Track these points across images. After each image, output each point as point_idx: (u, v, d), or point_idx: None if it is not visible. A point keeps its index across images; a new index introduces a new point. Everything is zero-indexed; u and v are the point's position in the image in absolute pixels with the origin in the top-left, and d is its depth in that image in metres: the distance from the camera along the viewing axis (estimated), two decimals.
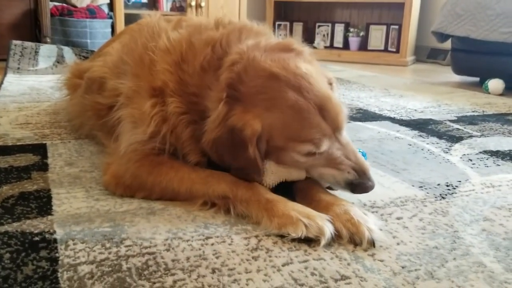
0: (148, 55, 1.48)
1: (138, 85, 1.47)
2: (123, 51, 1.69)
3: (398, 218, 1.33)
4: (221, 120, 1.28)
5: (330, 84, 1.42)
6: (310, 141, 1.27)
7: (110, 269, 1.01)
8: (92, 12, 4.70)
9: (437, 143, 2.14)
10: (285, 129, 1.27)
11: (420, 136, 2.26)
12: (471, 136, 2.28)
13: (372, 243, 1.15)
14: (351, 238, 1.17)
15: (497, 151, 2.04)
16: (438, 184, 1.60)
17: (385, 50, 5.89)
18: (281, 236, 1.17)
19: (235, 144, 1.27)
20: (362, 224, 1.17)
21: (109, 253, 1.08)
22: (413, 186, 1.58)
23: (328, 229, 1.15)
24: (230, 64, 1.33)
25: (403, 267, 1.07)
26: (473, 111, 2.93)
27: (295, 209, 1.21)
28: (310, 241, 1.15)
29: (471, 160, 1.90)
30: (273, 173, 1.34)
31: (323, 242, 1.13)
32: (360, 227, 1.16)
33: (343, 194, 1.34)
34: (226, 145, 1.29)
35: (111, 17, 4.87)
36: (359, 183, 1.29)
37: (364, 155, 1.65)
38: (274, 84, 1.28)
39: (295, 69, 1.31)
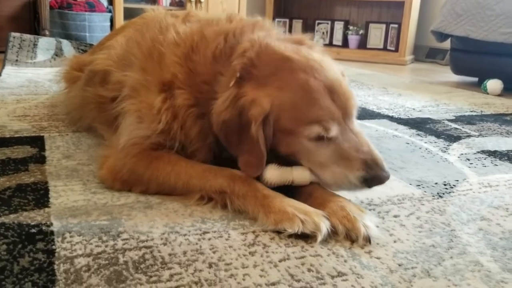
0: (157, 49, 1.48)
1: (145, 78, 1.46)
2: (129, 44, 1.68)
3: (395, 216, 1.33)
4: (231, 100, 1.28)
5: (342, 75, 1.41)
6: (319, 122, 1.25)
7: (106, 262, 1.01)
8: (91, 6, 4.69)
9: (435, 142, 2.14)
10: (294, 109, 1.26)
11: (418, 135, 2.26)
12: (469, 136, 2.29)
13: (368, 240, 1.15)
14: (347, 234, 1.17)
15: (495, 151, 2.04)
16: (436, 183, 1.61)
17: (384, 48, 5.89)
18: (278, 232, 1.17)
19: (242, 125, 1.27)
20: (358, 221, 1.17)
21: (106, 246, 1.07)
22: (410, 184, 1.58)
23: (325, 225, 1.15)
24: (243, 51, 1.33)
25: (399, 265, 1.07)
26: (471, 111, 2.94)
27: (292, 205, 1.21)
28: (306, 237, 1.15)
29: (468, 160, 1.90)
30: (276, 175, 1.32)
31: (319, 238, 1.13)
32: (356, 224, 1.17)
33: (340, 192, 1.34)
34: (234, 126, 1.28)
35: (110, 11, 4.86)
36: (374, 176, 1.25)
37: None
38: (286, 65, 1.29)
39: (308, 54, 1.33)
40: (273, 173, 1.32)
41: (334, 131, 1.26)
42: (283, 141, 1.31)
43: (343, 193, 1.33)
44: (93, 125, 1.85)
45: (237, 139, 1.30)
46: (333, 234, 1.17)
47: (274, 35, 1.42)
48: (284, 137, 1.30)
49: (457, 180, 1.65)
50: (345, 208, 1.21)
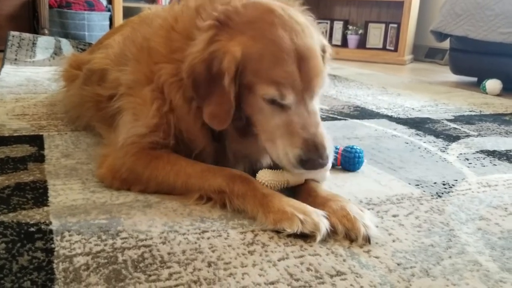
0: (146, 40, 1.48)
1: (139, 74, 1.46)
2: (125, 43, 1.69)
3: (394, 216, 1.33)
4: (205, 44, 1.27)
5: (323, 51, 1.39)
6: (276, 84, 1.23)
7: (105, 261, 1.01)
8: (90, 5, 4.69)
9: (434, 142, 2.15)
10: (258, 63, 1.24)
11: (417, 134, 2.26)
12: (468, 136, 2.29)
13: (367, 240, 1.15)
14: (347, 234, 1.17)
15: (494, 151, 2.05)
16: (435, 183, 1.61)
17: (384, 48, 5.89)
18: (277, 232, 1.17)
19: (212, 74, 1.25)
20: (358, 221, 1.17)
21: (105, 245, 1.07)
22: (409, 184, 1.59)
23: (324, 225, 1.15)
24: (224, 3, 1.33)
25: (398, 264, 1.07)
26: (470, 111, 2.94)
27: (291, 204, 1.21)
28: (306, 237, 1.15)
29: (467, 160, 1.90)
30: (269, 177, 1.32)
31: (318, 238, 1.13)
32: (356, 224, 1.17)
33: (338, 191, 1.34)
34: (203, 74, 1.26)
35: (109, 10, 4.86)
36: (309, 159, 1.24)
37: (361, 152, 1.66)
38: (267, 17, 1.28)
39: (293, 15, 1.32)
40: (266, 176, 1.32)
41: (288, 99, 1.25)
42: (245, 98, 1.29)
43: (342, 193, 1.33)
44: (91, 124, 1.85)
45: (206, 88, 1.28)
46: (332, 233, 1.17)
47: None
48: (246, 94, 1.28)
49: (456, 180, 1.65)
50: (345, 208, 1.21)
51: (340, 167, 1.68)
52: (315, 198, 1.28)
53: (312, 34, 1.33)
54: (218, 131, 1.37)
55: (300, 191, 1.34)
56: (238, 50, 1.24)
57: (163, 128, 1.39)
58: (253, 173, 1.36)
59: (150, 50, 1.45)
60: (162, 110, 1.39)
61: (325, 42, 1.42)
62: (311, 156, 1.24)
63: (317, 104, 1.32)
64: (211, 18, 1.31)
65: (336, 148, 1.65)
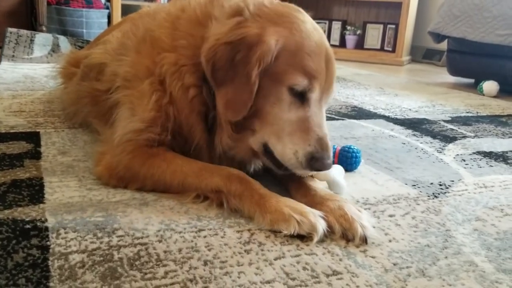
0: (149, 32, 1.47)
1: (138, 64, 1.45)
2: (125, 36, 1.67)
3: (391, 216, 1.33)
4: (231, 27, 1.25)
5: None
6: (309, 75, 1.24)
7: (101, 258, 1.01)
8: (88, 2, 4.67)
9: (431, 142, 2.15)
10: (295, 53, 1.25)
11: (414, 135, 2.26)
12: (464, 137, 2.29)
13: (364, 240, 1.15)
14: (344, 234, 1.17)
15: (490, 152, 2.05)
16: (431, 183, 1.61)
17: (381, 49, 5.89)
18: (274, 231, 1.17)
19: (236, 59, 1.23)
20: (356, 221, 1.17)
21: (101, 242, 1.07)
22: (406, 184, 1.59)
23: (321, 226, 1.15)
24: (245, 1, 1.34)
25: (394, 264, 1.07)
26: (467, 112, 2.95)
27: (288, 205, 1.20)
28: (302, 237, 1.15)
29: (464, 161, 1.90)
30: None
31: (315, 238, 1.13)
32: (353, 224, 1.16)
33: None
34: (225, 57, 1.24)
35: (107, 8, 4.85)
36: (320, 158, 1.24)
37: (358, 152, 1.66)
38: (298, 14, 1.33)
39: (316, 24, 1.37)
40: None
41: (315, 94, 1.27)
42: (263, 88, 1.26)
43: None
44: (88, 120, 1.84)
45: (225, 72, 1.25)
46: (329, 233, 1.17)
47: None
48: (267, 84, 1.26)
49: (453, 181, 1.65)
50: (342, 208, 1.21)
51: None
52: (313, 197, 1.28)
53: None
54: (211, 123, 1.36)
55: (298, 189, 1.34)
56: (274, 40, 1.23)
57: (160, 122, 1.38)
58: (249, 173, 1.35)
59: (153, 40, 1.43)
60: (161, 102, 1.37)
61: None
62: (322, 155, 1.24)
63: None
64: (236, 6, 1.32)
65: (334, 148, 1.66)
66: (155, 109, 1.38)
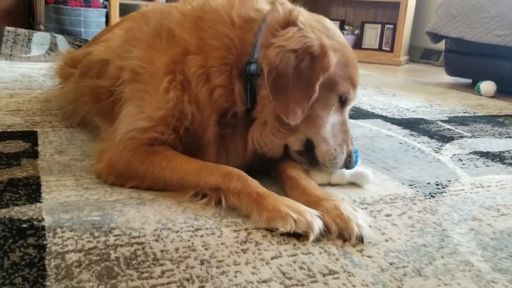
0: (165, 27, 1.47)
1: (154, 59, 1.45)
2: (129, 34, 1.65)
3: (387, 215, 1.33)
4: (294, 35, 1.33)
5: None
6: (352, 84, 1.42)
7: (98, 257, 1.01)
8: (86, 1, 4.66)
9: (428, 142, 2.15)
10: (345, 65, 1.40)
11: (412, 135, 2.27)
12: (462, 137, 2.30)
13: (360, 239, 1.15)
14: (340, 233, 1.17)
15: (487, 152, 2.05)
16: (428, 183, 1.61)
17: (379, 49, 5.90)
18: (271, 230, 1.17)
19: (302, 67, 1.31)
20: (352, 220, 1.17)
21: (98, 242, 1.07)
22: (403, 184, 1.59)
23: (317, 225, 1.15)
24: (291, 9, 1.43)
25: (391, 264, 1.07)
26: (464, 112, 2.95)
27: (285, 203, 1.21)
28: (299, 236, 1.15)
29: (461, 160, 1.91)
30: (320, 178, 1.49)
31: (311, 237, 1.14)
32: (349, 223, 1.17)
33: (332, 190, 1.34)
34: (292, 64, 1.30)
35: (105, 7, 4.84)
36: (349, 161, 1.46)
37: (355, 152, 1.66)
38: (337, 29, 1.50)
39: None
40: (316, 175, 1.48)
41: (353, 100, 1.46)
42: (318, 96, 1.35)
43: (336, 192, 1.33)
44: (88, 118, 1.83)
45: (288, 80, 1.31)
46: (326, 233, 1.17)
47: None
48: (321, 91, 1.35)
49: (449, 181, 1.65)
50: (338, 207, 1.21)
51: None
52: (309, 197, 1.29)
53: None
54: (229, 120, 1.42)
55: (294, 188, 1.35)
56: (333, 54, 1.35)
57: (169, 121, 1.38)
58: (247, 171, 1.35)
59: (173, 38, 1.44)
60: (179, 101, 1.38)
61: None
62: (353, 153, 1.47)
63: None
64: (287, 14, 1.40)
65: None
66: (168, 107, 1.38)
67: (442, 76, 4.58)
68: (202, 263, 1.02)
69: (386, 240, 1.18)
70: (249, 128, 1.43)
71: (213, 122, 1.41)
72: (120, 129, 1.42)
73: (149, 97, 1.42)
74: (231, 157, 1.45)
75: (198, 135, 1.42)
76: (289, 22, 1.38)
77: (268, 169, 1.54)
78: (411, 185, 1.59)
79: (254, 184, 1.29)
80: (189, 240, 1.11)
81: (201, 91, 1.38)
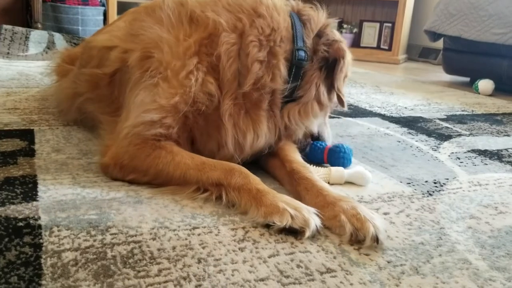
0: (185, 8, 1.49)
1: (177, 40, 1.44)
2: (134, 23, 1.62)
3: (385, 214, 1.33)
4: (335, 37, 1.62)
5: None
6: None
7: (94, 256, 1.00)
8: None
9: (426, 140, 2.15)
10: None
11: (410, 133, 2.27)
12: (460, 135, 2.30)
13: (376, 240, 1.12)
14: (354, 233, 1.14)
15: (485, 150, 2.05)
16: (426, 181, 1.61)
17: (378, 47, 5.90)
18: (268, 227, 1.17)
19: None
20: (369, 221, 1.15)
21: (94, 240, 1.07)
22: (401, 182, 1.59)
23: (314, 222, 1.15)
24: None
25: (388, 262, 1.07)
26: (462, 110, 2.95)
27: (284, 200, 1.21)
28: (295, 233, 1.15)
29: (459, 159, 1.91)
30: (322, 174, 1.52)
31: (307, 233, 1.13)
32: (365, 223, 1.14)
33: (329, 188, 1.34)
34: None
35: (103, 5, 4.83)
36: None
37: (350, 151, 1.66)
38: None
39: None
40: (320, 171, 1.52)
41: None
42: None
43: (336, 190, 1.33)
44: (84, 108, 1.81)
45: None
46: (339, 233, 1.17)
47: None
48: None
49: (447, 179, 1.65)
50: (355, 208, 1.20)
51: (328, 164, 1.67)
52: (326, 197, 1.27)
53: None
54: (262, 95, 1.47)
55: (309, 191, 1.33)
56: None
57: (181, 108, 1.39)
58: (248, 167, 1.35)
59: (198, 21, 1.46)
60: (201, 85, 1.40)
61: None
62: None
63: None
64: (313, 14, 1.61)
65: (323, 145, 1.66)
66: (183, 93, 1.39)
67: (440, 75, 4.58)
68: (199, 261, 1.01)
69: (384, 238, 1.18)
70: (278, 107, 1.50)
71: (231, 95, 1.43)
72: (128, 121, 1.42)
73: (165, 82, 1.40)
74: (247, 134, 1.46)
75: (215, 116, 1.43)
76: (324, 24, 1.62)
77: (262, 164, 1.57)
78: (409, 183, 1.58)
79: (255, 180, 1.30)
80: (186, 239, 1.10)
81: (230, 70, 1.41)
